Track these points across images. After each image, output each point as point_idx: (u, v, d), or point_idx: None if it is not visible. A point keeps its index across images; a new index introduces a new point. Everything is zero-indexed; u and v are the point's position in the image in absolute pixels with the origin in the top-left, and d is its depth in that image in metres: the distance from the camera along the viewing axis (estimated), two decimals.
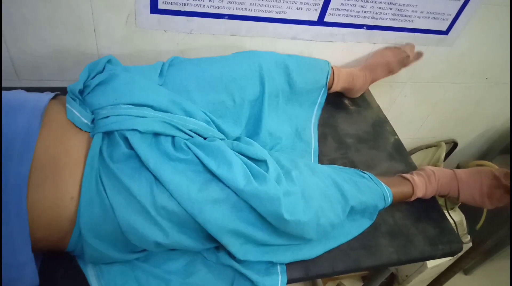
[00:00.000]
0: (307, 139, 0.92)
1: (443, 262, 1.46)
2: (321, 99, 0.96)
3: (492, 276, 1.79)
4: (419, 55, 1.02)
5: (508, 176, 0.77)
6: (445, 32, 1.06)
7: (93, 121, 0.62)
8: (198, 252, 0.69)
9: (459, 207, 1.59)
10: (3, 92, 0.60)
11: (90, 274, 0.62)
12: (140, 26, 0.84)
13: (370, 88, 1.10)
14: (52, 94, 0.63)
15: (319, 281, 1.43)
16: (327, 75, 0.92)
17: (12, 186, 0.50)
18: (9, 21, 0.77)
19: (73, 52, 0.85)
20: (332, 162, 0.91)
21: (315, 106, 0.96)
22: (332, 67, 0.95)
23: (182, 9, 0.83)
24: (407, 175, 0.84)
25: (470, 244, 1.44)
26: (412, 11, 0.97)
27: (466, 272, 1.79)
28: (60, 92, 0.68)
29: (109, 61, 0.70)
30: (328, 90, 0.96)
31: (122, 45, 0.86)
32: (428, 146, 1.51)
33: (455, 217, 1.50)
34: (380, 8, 0.94)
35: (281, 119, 0.87)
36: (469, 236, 1.50)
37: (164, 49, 0.89)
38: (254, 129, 0.82)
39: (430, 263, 1.46)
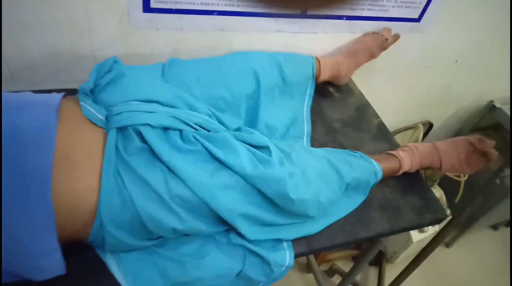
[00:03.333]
0: (300, 125, 0.98)
1: (426, 237, 1.56)
2: (310, 89, 1.02)
3: (470, 247, 1.92)
4: (396, 37, 1.08)
5: (482, 141, 0.85)
6: (418, 20, 1.14)
7: (105, 118, 0.65)
8: (210, 235, 0.73)
9: (438, 184, 1.70)
10: (12, 93, 0.62)
11: (111, 262, 0.66)
12: (133, 25, 0.87)
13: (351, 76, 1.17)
14: (61, 93, 0.66)
15: (314, 262, 1.49)
16: (313, 66, 1.00)
17: (36, 178, 0.52)
18: (4, 23, 0.78)
19: (67, 53, 0.87)
20: (322, 146, 0.97)
21: (306, 96, 1.02)
22: (317, 58, 1.02)
23: (174, 7, 0.86)
24: (393, 152, 0.91)
25: (450, 218, 1.54)
26: (386, 1, 1.04)
27: (447, 245, 1.91)
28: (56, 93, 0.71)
29: (114, 62, 0.73)
30: (316, 79, 1.03)
31: (115, 45, 0.89)
32: (407, 128, 1.60)
33: (435, 193, 1.59)
34: None
35: (277, 111, 0.92)
36: (449, 210, 1.61)
37: (157, 46, 0.93)
38: (252, 122, 0.88)
39: (415, 238, 1.56)
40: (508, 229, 2.06)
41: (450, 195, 1.65)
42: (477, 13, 1.22)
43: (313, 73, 1.00)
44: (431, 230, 1.55)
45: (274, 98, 0.91)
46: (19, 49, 0.83)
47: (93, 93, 0.69)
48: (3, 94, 0.60)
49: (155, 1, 0.84)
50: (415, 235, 1.56)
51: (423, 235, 1.56)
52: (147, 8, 0.84)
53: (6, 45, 0.82)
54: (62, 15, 0.80)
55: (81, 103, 0.64)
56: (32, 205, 0.52)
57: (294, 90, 0.98)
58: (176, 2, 0.85)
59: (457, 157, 0.88)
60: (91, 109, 0.64)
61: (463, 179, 1.50)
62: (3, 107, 0.54)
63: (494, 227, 2.05)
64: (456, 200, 1.58)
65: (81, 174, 0.58)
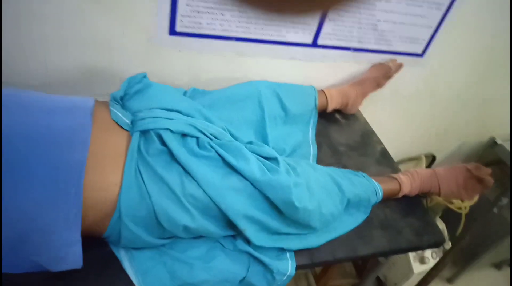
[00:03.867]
0: (306, 147, 1.04)
1: (427, 268, 1.57)
2: (313, 119, 1.09)
3: (474, 284, 1.90)
4: (399, 66, 1.16)
5: (478, 168, 0.90)
6: (421, 55, 1.22)
7: (131, 122, 0.72)
8: (217, 241, 0.77)
9: (440, 217, 1.72)
10: (53, 95, 0.70)
11: (124, 258, 0.70)
12: (159, 46, 0.95)
13: None
14: (93, 98, 0.73)
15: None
16: (315, 98, 1.07)
17: (75, 169, 0.59)
18: (50, 40, 0.87)
19: (100, 69, 0.96)
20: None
21: (309, 125, 1.09)
22: (323, 90, 1.10)
23: (197, 32, 0.95)
24: (394, 175, 0.96)
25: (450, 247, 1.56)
26: (392, 36, 1.12)
27: (450, 281, 1.90)
28: None
29: (144, 77, 0.82)
30: (325, 110, 1.11)
31: (142, 63, 0.97)
32: (410, 159, 1.65)
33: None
34: (365, 33, 1.09)
35: (281, 135, 0.99)
36: (450, 242, 1.62)
37: (178, 66, 1.01)
38: None
39: (416, 269, 1.56)
40: None
41: (451, 229, 1.67)
42: (479, 49, 1.30)
43: (315, 104, 1.07)
44: (432, 262, 1.56)
45: (277, 126, 0.98)
46: (56, 64, 0.91)
47: (122, 101, 0.77)
48: (52, 95, 0.68)
49: (180, 26, 0.92)
50: (416, 266, 1.57)
51: (424, 267, 1.56)
52: (173, 31, 0.93)
53: (45, 59, 0.90)
54: (99, 35, 0.89)
55: (111, 108, 0.72)
56: (70, 196, 0.58)
57: (298, 120, 1.04)
58: (199, 28, 0.94)
59: (455, 183, 0.93)
60: (119, 113, 0.72)
61: (464, 211, 1.52)
62: (56, 108, 0.63)
63: (498, 266, 2.04)
64: (457, 232, 1.59)
65: (107, 170, 0.64)
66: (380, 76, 1.14)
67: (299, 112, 1.03)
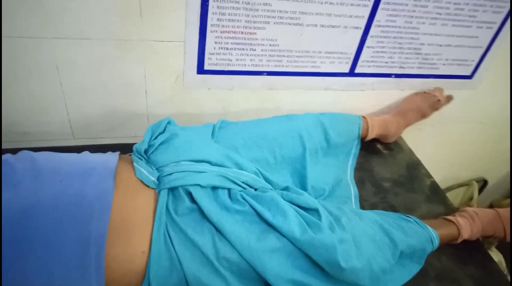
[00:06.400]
0: (345, 187, 0.95)
1: None
2: (355, 149, 1.01)
3: None
4: (449, 98, 1.06)
5: None
6: (469, 77, 1.11)
7: (157, 178, 0.67)
8: None
9: (496, 247, 1.56)
10: (72, 156, 0.65)
11: None
12: (187, 86, 0.90)
13: None
14: (117, 155, 0.68)
15: None
16: (359, 127, 0.99)
17: (94, 243, 0.53)
18: (71, 87, 0.84)
19: (124, 111, 0.92)
20: (373, 207, 0.93)
21: (350, 156, 1.01)
22: (365, 117, 1.01)
23: (226, 69, 0.90)
24: (450, 217, 0.85)
25: None
26: (437, 59, 1.03)
27: None
28: (111, 149, 0.74)
29: (168, 123, 0.76)
30: (364, 139, 1.02)
31: (169, 103, 0.93)
32: (460, 185, 1.52)
33: (494, 257, 1.46)
34: (407, 58, 1.00)
35: (321, 172, 0.91)
36: (509, 276, 1.46)
37: (207, 105, 0.96)
38: (301, 186, 0.87)
39: None
40: None
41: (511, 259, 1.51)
42: None
43: (359, 134, 0.99)
44: None
45: (318, 160, 0.91)
46: (82, 110, 0.88)
47: (147, 154, 0.72)
48: (65, 156, 0.63)
49: (209, 64, 0.88)
50: None
51: None
52: (201, 70, 0.88)
53: (69, 106, 0.87)
54: (122, 78, 0.85)
55: (135, 164, 0.66)
56: (91, 271, 0.53)
57: (339, 150, 0.97)
58: (227, 64, 0.89)
59: None
60: (144, 171, 0.66)
61: None
62: (68, 174, 0.57)
63: None
64: None
65: (134, 237, 0.59)
66: (426, 106, 1.04)
67: (341, 141, 0.95)
